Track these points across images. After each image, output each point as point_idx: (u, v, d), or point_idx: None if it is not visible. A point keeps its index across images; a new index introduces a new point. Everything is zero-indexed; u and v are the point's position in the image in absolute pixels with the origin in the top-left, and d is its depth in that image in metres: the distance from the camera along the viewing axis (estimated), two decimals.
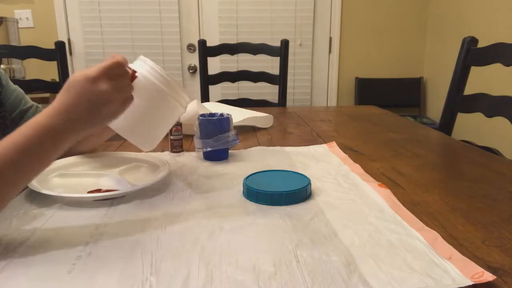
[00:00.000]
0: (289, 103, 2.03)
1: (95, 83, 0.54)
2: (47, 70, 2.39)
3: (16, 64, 2.40)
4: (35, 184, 0.67)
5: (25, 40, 2.59)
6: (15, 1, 2.66)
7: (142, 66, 0.65)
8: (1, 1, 2.64)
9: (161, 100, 0.65)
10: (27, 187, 0.67)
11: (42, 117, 0.53)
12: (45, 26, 2.70)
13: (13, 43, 2.41)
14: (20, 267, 0.47)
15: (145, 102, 0.64)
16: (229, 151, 0.92)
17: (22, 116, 0.84)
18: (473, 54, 1.30)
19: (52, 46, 1.71)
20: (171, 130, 0.93)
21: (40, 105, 0.90)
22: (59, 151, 0.55)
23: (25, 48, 1.82)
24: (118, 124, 0.65)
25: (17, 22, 2.49)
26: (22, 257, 0.49)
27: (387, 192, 0.68)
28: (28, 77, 2.51)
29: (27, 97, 0.88)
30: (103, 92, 0.55)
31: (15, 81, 0.90)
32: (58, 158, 0.83)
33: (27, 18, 2.68)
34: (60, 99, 0.55)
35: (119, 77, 0.57)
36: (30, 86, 1.70)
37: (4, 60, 2.31)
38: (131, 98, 0.60)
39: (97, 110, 0.56)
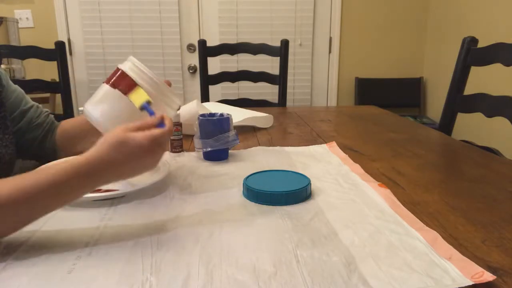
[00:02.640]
0: (289, 103, 2.03)
1: (149, 153, 0.57)
2: (47, 70, 2.39)
3: (16, 64, 2.40)
4: None
5: (25, 40, 2.59)
6: (15, 1, 2.66)
7: (131, 68, 0.66)
8: (1, 1, 2.63)
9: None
10: None
11: (84, 166, 0.53)
12: (45, 26, 2.70)
13: (13, 43, 2.41)
14: (21, 267, 0.47)
15: (135, 106, 0.65)
16: (229, 151, 0.92)
17: (23, 116, 0.84)
18: (473, 54, 1.30)
19: (52, 46, 1.71)
20: None
21: (40, 105, 0.90)
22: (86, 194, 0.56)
23: (25, 48, 1.81)
24: (108, 127, 0.65)
25: (17, 22, 2.49)
26: (23, 257, 0.49)
27: (387, 192, 0.68)
28: (28, 77, 2.51)
29: (28, 97, 0.88)
30: (153, 161, 0.58)
31: (15, 81, 0.90)
32: (58, 158, 0.83)
33: (27, 18, 2.68)
34: (107, 153, 0.54)
35: (166, 142, 0.60)
36: (30, 86, 1.70)
37: (4, 60, 2.31)
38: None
39: (140, 171, 0.59)
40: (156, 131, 0.57)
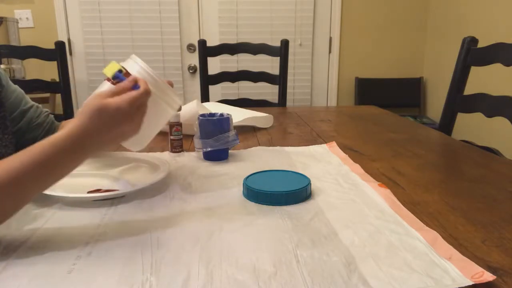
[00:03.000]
0: (289, 103, 2.03)
1: (128, 115, 0.57)
2: (47, 70, 2.39)
3: (16, 64, 2.40)
4: None
5: (25, 40, 2.59)
6: (15, 1, 2.66)
7: (133, 66, 0.66)
8: (1, 1, 2.64)
9: (149, 101, 0.65)
10: None
11: (67, 139, 0.53)
12: (45, 26, 2.70)
13: (13, 43, 2.41)
14: (21, 267, 0.47)
15: None
16: (229, 151, 0.92)
17: (23, 116, 0.84)
18: (473, 54, 1.30)
19: (52, 46, 1.71)
20: (171, 130, 0.93)
21: (40, 105, 0.90)
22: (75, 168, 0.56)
23: (25, 48, 1.82)
24: None
25: (17, 22, 2.49)
26: (23, 257, 0.49)
27: (387, 192, 0.68)
28: (28, 77, 2.51)
29: (27, 97, 0.88)
30: (134, 124, 0.58)
31: (15, 81, 0.90)
32: None
33: (27, 18, 2.68)
34: (88, 122, 0.54)
35: (144, 104, 0.60)
36: (30, 86, 1.70)
37: (4, 60, 2.31)
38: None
39: (123, 137, 0.59)
40: (132, 93, 0.57)
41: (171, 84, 0.72)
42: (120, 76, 0.64)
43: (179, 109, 0.72)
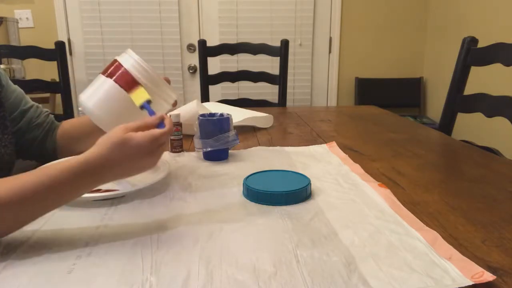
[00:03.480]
0: (289, 103, 2.03)
1: (149, 153, 0.57)
2: (47, 70, 2.39)
3: (16, 64, 2.40)
4: None
5: (25, 40, 2.59)
6: (15, 1, 2.66)
7: (127, 60, 0.66)
8: (1, 1, 2.63)
9: None
10: None
11: (83, 167, 0.53)
12: (45, 26, 2.70)
13: (13, 43, 2.41)
14: (21, 267, 0.47)
15: (129, 97, 0.65)
16: (229, 151, 0.92)
17: (23, 116, 0.84)
18: (473, 54, 1.30)
19: (52, 46, 1.71)
20: None
21: (40, 105, 0.89)
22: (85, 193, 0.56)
23: (25, 48, 1.82)
24: (101, 119, 0.65)
25: (17, 22, 2.49)
26: (23, 257, 0.49)
27: (387, 192, 0.68)
28: (28, 77, 2.51)
29: (27, 97, 0.88)
30: (153, 161, 0.59)
31: (15, 81, 0.90)
32: (58, 159, 0.83)
33: (27, 18, 2.68)
34: (107, 152, 0.54)
35: (166, 142, 0.60)
36: (30, 86, 1.70)
37: (4, 60, 2.31)
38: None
39: (139, 170, 0.59)
40: (156, 132, 0.57)
41: (168, 81, 0.72)
42: (147, 107, 0.64)
43: (175, 104, 0.72)
